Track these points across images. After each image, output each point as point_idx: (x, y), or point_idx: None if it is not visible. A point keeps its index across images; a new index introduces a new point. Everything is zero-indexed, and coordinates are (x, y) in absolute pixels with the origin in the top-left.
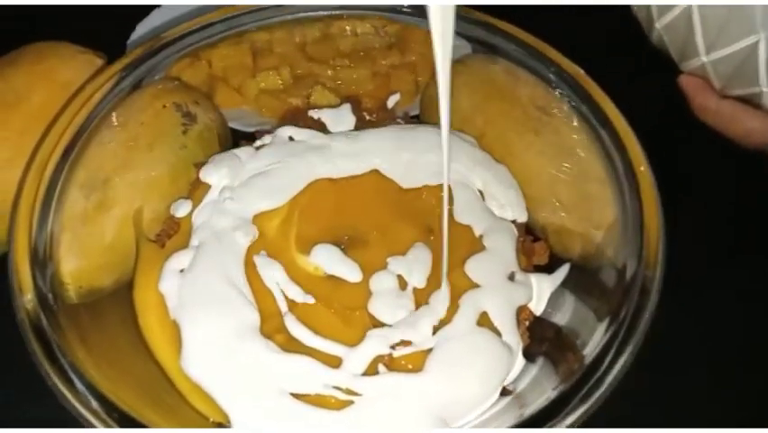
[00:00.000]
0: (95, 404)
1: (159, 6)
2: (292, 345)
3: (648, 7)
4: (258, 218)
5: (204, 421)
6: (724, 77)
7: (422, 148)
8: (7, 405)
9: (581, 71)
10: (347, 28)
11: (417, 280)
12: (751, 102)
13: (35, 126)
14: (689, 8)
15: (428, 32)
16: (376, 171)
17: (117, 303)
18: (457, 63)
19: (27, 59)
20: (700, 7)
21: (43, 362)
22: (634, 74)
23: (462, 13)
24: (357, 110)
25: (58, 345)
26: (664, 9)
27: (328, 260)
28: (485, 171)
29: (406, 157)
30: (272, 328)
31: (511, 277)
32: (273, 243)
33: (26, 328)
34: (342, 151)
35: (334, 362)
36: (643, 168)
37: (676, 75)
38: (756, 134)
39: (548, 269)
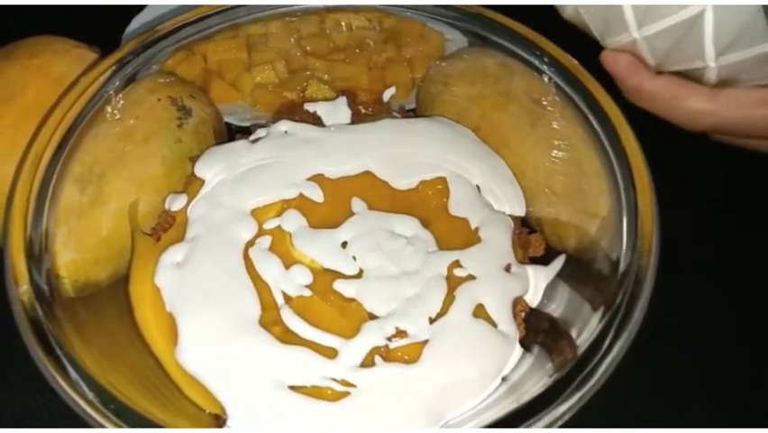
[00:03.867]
0: (90, 395)
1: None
2: (289, 337)
3: None
4: (255, 212)
5: (200, 413)
6: (660, 53)
7: (418, 142)
8: (7, 402)
9: (577, 63)
10: (342, 22)
11: (413, 271)
12: (691, 77)
13: (30, 121)
14: None
15: (424, 26)
16: (369, 173)
17: (113, 296)
18: (453, 56)
19: (21, 54)
20: None
21: (39, 352)
22: None
23: (458, 6)
24: (353, 104)
25: (54, 337)
26: None
27: (324, 253)
28: (483, 165)
29: (401, 152)
30: (269, 320)
31: (507, 269)
32: (270, 236)
33: (22, 319)
34: (337, 145)
35: (331, 353)
36: (637, 158)
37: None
38: (704, 116)
39: (544, 260)
